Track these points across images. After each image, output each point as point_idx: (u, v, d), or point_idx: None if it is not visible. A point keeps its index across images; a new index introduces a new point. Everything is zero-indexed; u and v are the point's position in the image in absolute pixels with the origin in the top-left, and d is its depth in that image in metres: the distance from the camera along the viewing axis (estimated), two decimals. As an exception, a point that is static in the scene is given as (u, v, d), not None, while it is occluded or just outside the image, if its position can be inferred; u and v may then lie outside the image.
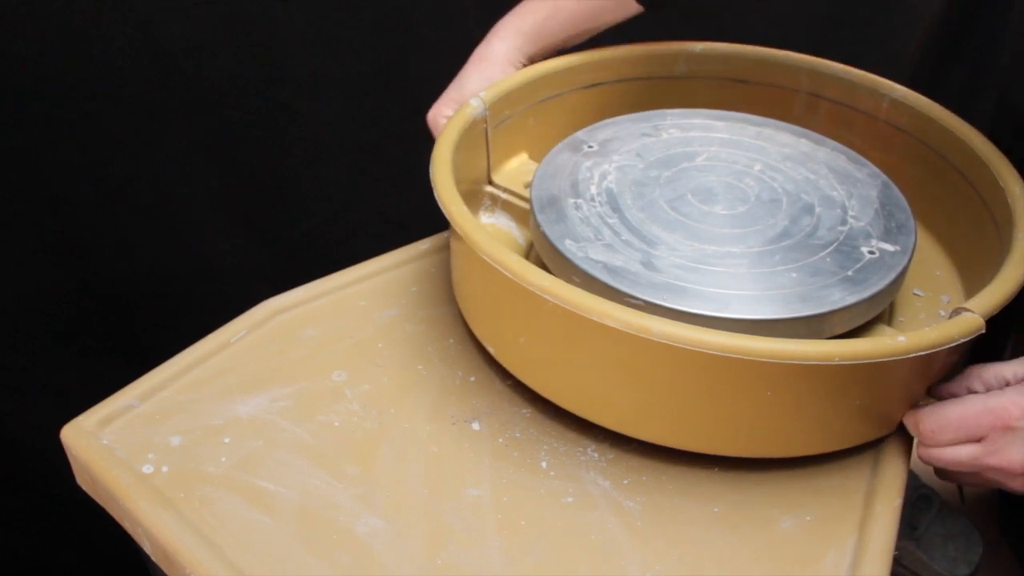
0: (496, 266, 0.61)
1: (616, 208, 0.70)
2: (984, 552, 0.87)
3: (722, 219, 0.69)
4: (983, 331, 0.58)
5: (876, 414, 0.63)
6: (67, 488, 1.05)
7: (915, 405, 0.64)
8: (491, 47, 0.80)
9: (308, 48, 1.10)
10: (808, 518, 0.61)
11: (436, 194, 0.67)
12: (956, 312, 0.59)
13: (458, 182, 0.69)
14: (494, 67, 0.79)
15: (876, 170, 0.75)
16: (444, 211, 0.66)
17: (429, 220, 0.82)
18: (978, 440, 0.60)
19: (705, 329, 0.56)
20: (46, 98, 0.98)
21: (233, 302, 0.76)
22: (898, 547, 0.73)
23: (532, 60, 0.82)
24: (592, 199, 0.71)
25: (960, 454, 0.60)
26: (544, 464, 0.64)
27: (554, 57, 0.83)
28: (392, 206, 1.24)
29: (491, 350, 0.69)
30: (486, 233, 0.63)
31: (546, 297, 0.58)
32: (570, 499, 0.62)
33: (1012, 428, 0.58)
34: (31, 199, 1.02)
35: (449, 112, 0.77)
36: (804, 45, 0.89)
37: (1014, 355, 0.71)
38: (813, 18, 1.20)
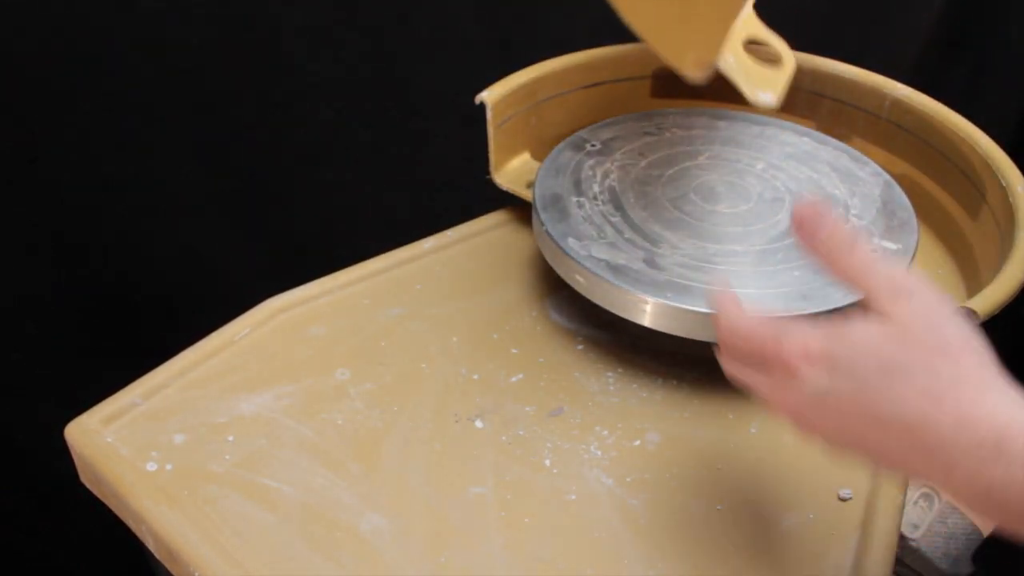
0: None
1: (619, 206, 0.70)
2: (986, 551, 0.87)
3: (724, 217, 0.69)
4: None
5: None
6: (67, 488, 1.05)
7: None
8: None
9: (308, 48, 1.10)
10: (810, 516, 0.61)
11: None
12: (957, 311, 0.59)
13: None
14: None
15: (878, 169, 0.76)
16: None
17: (429, 220, 0.83)
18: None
19: None
20: (46, 97, 0.98)
21: (233, 302, 0.76)
22: (900, 546, 0.73)
23: None
24: (595, 197, 0.71)
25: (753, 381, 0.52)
26: (547, 462, 0.64)
27: (556, 57, 0.83)
28: (392, 206, 1.24)
29: None
30: None
31: None
32: (573, 497, 0.62)
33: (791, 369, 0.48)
34: (31, 199, 1.02)
35: None
36: (804, 45, 0.89)
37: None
38: (813, 17, 1.20)
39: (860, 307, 0.48)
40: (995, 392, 0.44)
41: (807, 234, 0.51)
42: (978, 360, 0.45)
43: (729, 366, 0.53)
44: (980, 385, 0.44)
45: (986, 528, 0.86)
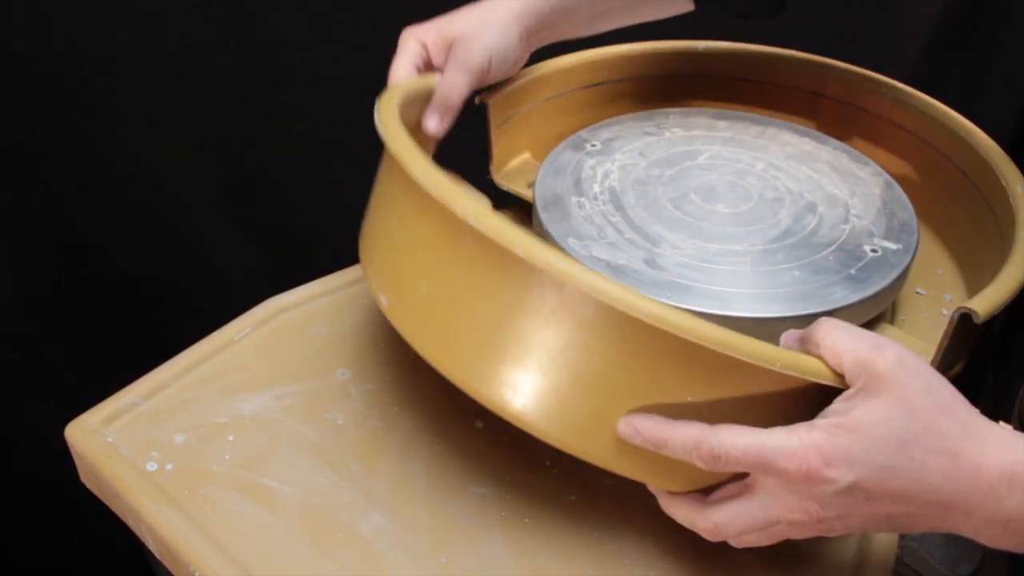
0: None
1: (619, 206, 0.70)
2: (985, 551, 0.87)
3: (725, 217, 0.69)
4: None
5: None
6: (68, 488, 1.05)
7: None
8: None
9: (308, 48, 1.10)
10: (812, 516, 0.61)
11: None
12: (958, 311, 0.59)
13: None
14: (493, 25, 0.70)
15: (879, 168, 0.76)
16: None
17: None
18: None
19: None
20: (46, 98, 0.98)
21: (233, 302, 0.76)
22: (900, 545, 0.73)
23: (533, 35, 0.74)
24: (595, 197, 0.71)
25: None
26: (548, 462, 0.64)
27: (556, 57, 0.83)
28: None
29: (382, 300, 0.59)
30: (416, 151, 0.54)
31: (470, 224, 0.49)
32: (574, 497, 0.62)
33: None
34: (31, 199, 1.02)
35: (415, 39, 0.71)
36: (804, 45, 0.89)
37: (995, 397, 0.70)
38: (813, 18, 1.20)
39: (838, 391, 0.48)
40: (994, 435, 0.46)
41: None
42: (967, 408, 0.47)
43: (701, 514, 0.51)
44: (981, 432, 0.46)
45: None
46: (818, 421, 0.46)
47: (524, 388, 0.50)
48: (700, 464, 0.47)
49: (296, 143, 1.16)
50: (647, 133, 0.79)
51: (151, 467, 0.62)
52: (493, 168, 0.81)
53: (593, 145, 0.77)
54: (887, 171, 0.76)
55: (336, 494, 0.61)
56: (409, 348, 0.72)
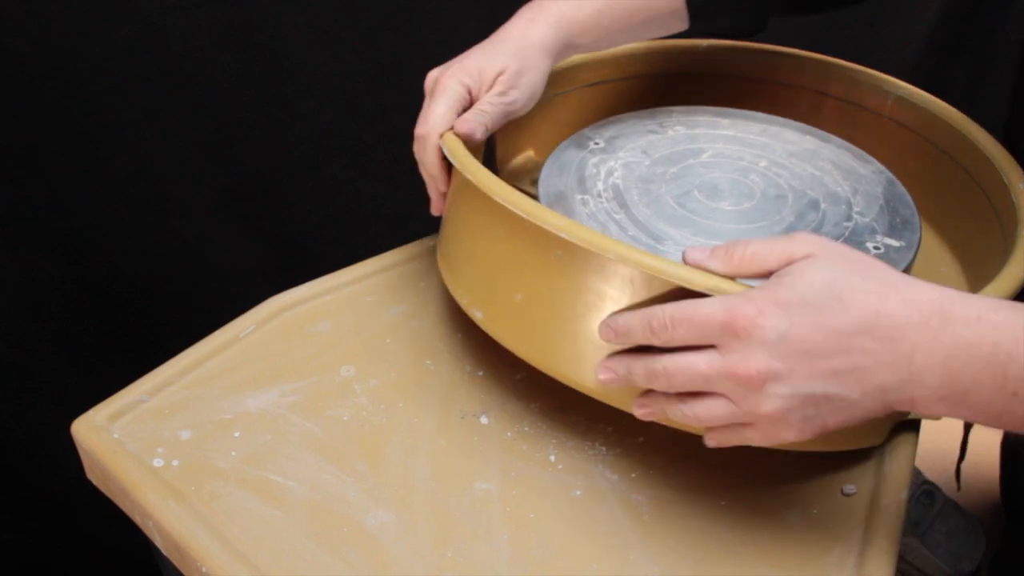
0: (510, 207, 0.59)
1: (623, 204, 0.70)
2: (987, 549, 0.87)
3: (728, 215, 0.69)
4: None
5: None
6: (68, 487, 1.06)
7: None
8: (529, 32, 0.71)
9: (308, 48, 1.10)
10: (814, 512, 0.61)
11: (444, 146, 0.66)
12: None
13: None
14: (529, 64, 0.71)
15: (881, 167, 0.76)
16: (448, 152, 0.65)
17: (429, 220, 0.83)
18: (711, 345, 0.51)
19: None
20: (47, 97, 0.98)
21: (233, 302, 0.76)
22: (902, 543, 0.73)
23: (562, 56, 0.75)
24: (599, 195, 0.71)
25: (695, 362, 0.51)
26: (552, 458, 0.64)
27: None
28: (392, 206, 1.24)
29: (478, 313, 0.66)
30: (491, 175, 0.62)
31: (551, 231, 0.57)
32: (578, 492, 0.62)
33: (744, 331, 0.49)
34: (31, 198, 1.02)
35: (457, 82, 0.68)
36: (804, 45, 0.89)
37: None
38: (813, 18, 1.20)
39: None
40: (916, 283, 0.49)
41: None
42: (888, 267, 0.51)
43: (656, 404, 0.55)
44: (904, 279, 0.50)
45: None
46: (758, 288, 0.51)
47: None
48: (654, 340, 0.52)
49: (296, 143, 1.16)
50: (650, 131, 0.79)
51: (157, 463, 0.62)
52: (497, 165, 0.81)
53: (596, 143, 0.77)
54: (889, 169, 0.76)
55: (341, 490, 0.61)
56: (412, 346, 0.72)
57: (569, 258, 0.57)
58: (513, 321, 0.63)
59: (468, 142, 0.67)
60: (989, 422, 0.49)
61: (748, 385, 0.49)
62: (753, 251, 0.52)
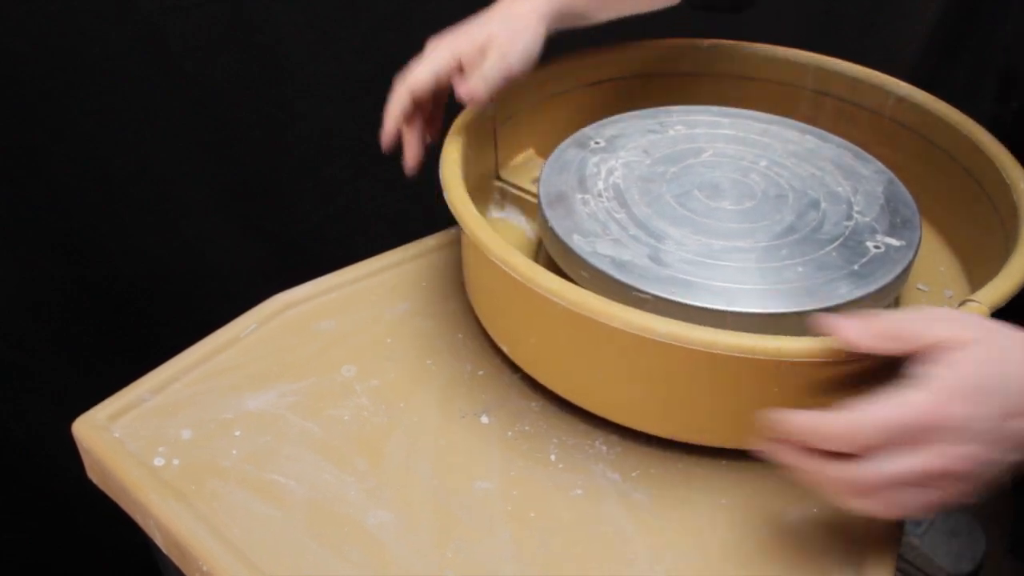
0: (506, 269, 0.61)
1: (623, 203, 0.70)
2: (987, 549, 0.87)
3: (729, 214, 0.69)
4: None
5: None
6: (68, 487, 1.05)
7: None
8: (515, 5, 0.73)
9: (308, 48, 1.10)
10: (814, 510, 0.61)
11: (446, 195, 0.68)
12: (964, 304, 0.59)
13: (466, 177, 0.69)
14: (525, 28, 0.72)
15: (881, 166, 0.76)
16: (454, 212, 0.66)
17: (429, 220, 0.83)
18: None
19: (708, 329, 0.56)
20: (46, 97, 0.98)
21: (233, 302, 0.76)
22: (902, 543, 0.73)
23: (558, 23, 0.75)
24: (599, 194, 0.71)
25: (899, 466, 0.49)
26: (553, 457, 0.64)
27: (560, 55, 0.83)
28: (392, 206, 1.24)
29: (504, 348, 0.70)
30: (496, 235, 0.63)
31: (554, 299, 0.59)
32: (579, 491, 0.62)
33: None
34: (31, 198, 1.02)
35: (446, 49, 0.71)
36: (805, 45, 0.89)
37: None
38: (813, 18, 1.20)
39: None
40: None
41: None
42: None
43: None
44: None
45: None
46: (914, 381, 0.49)
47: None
48: (849, 448, 0.50)
49: (296, 143, 1.16)
50: (651, 131, 0.79)
51: (158, 462, 0.62)
52: (497, 165, 0.81)
53: (597, 142, 0.77)
54: (889, 168, 0.76)
55: (342, 489, 0.61)
56: (413, 345, 0.72)
57: (568, 318, 0.60)
58: (531, 356, 0.68)
59: (471, 104, 0.73)
60: None
61: (955, 466, 0.49)
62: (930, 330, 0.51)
